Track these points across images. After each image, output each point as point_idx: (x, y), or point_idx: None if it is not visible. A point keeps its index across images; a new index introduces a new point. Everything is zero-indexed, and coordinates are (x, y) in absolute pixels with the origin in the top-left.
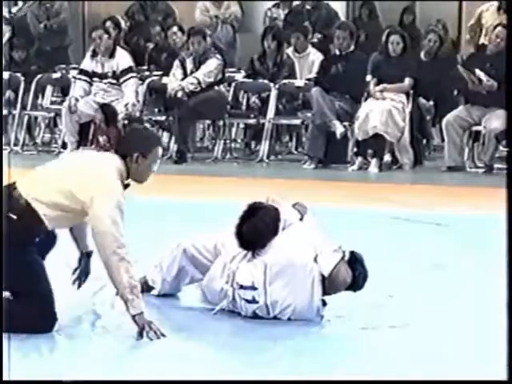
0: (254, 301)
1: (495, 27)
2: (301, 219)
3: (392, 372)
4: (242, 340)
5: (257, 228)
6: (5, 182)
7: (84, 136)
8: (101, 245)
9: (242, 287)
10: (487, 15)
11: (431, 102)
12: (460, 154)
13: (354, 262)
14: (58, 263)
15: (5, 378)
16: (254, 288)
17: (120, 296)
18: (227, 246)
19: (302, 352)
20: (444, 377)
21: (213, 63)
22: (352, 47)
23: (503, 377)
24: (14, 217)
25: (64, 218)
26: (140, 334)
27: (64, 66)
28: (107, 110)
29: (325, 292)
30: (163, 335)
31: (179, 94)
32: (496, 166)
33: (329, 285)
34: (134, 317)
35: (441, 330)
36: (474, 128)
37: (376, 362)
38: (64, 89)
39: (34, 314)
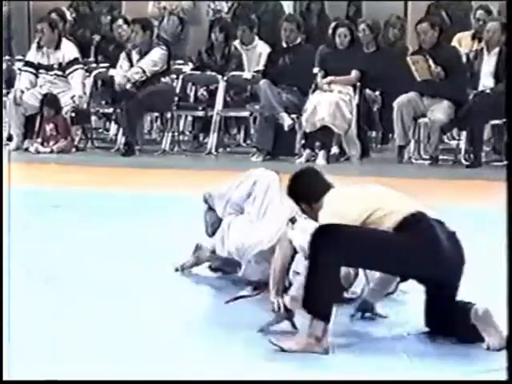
0: None
1: (416, 26)
2: None
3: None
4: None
5: None
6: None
7: (30, 128)
8: None
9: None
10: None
11: (377, 93)
12: (407, 135)
13: None
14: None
15: (5, 378)
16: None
17: None
18: None
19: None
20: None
21: (156, 53)
22: (299, 39)
23: (503, 377)
24: None
25: None
26: None
27: (9, 57)
28: (53, 98)
29: None
30: None
31: (128, 86)
32: (441, 157)
33: None
34: None
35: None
36: (421, 120)
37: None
38: (9, 81)
39: None
